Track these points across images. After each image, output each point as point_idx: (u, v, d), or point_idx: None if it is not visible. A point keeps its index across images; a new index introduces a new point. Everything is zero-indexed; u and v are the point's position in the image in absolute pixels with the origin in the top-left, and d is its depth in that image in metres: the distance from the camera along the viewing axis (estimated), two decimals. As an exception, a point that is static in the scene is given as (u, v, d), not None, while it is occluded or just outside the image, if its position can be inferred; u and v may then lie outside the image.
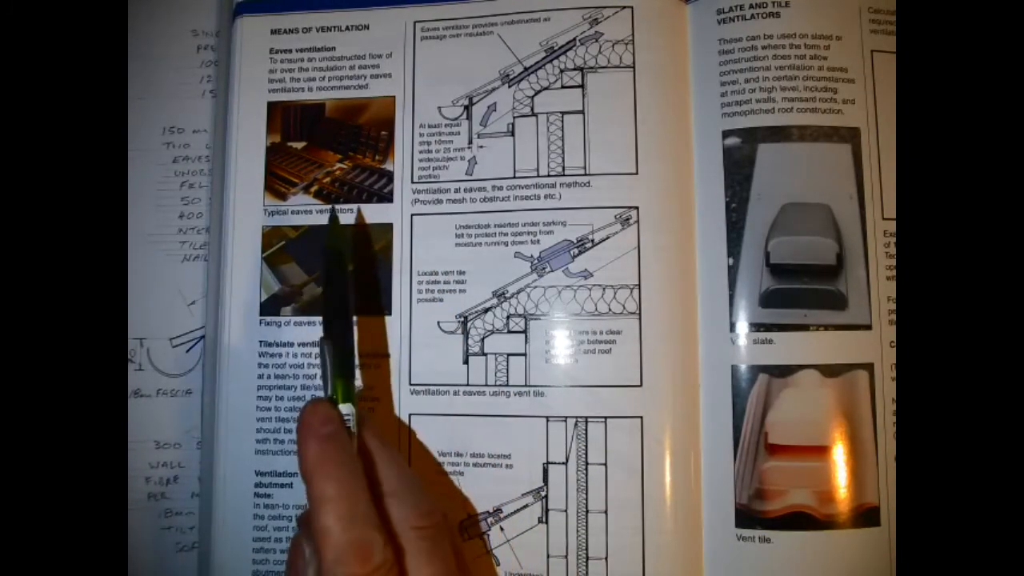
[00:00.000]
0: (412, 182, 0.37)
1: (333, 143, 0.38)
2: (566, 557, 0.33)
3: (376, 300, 0.36)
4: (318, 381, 0.36)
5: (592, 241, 0.35)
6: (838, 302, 0.34)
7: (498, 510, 0.34)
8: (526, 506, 0.34)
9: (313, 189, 0.37)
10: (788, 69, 0.35)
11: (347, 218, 0.37)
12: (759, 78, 0.35)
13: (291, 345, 0.36)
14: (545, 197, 0.35)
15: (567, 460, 0.34)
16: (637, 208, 0.35)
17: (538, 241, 0.35)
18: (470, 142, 0.37)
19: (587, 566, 0.33)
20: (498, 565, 0.34)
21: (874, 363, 0.33)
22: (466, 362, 0.35)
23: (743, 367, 0.33)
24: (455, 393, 0.35)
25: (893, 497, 0.32)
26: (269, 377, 0.36)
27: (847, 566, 0.32)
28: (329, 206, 0.36)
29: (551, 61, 0.36)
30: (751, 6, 0.35)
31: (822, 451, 0.33)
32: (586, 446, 0.34)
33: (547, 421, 0.34)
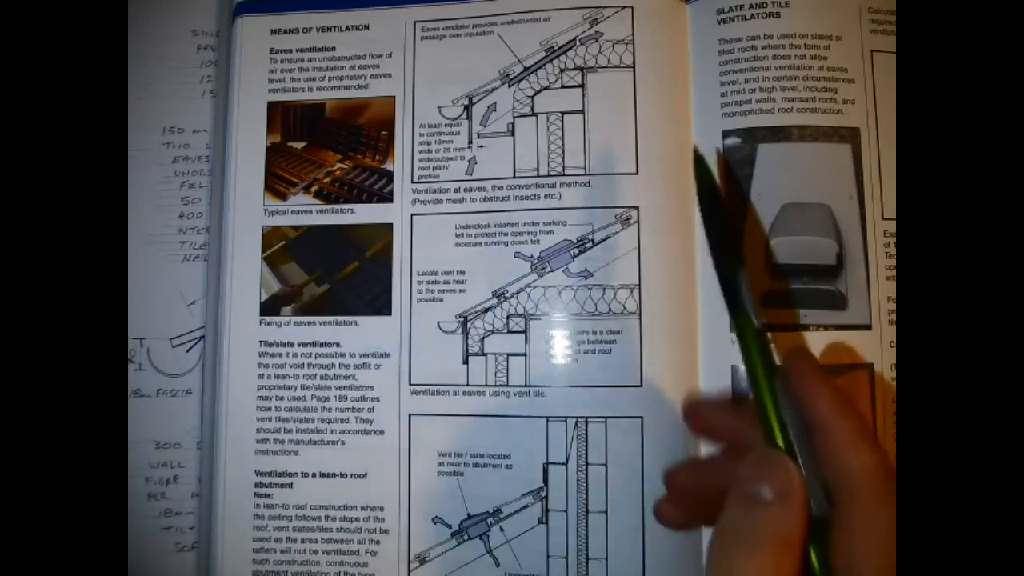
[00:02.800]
0: (412, 182, 0.37)
1: (333, 143, 0.38)
2: (566, 558, 0.33)
3: (381, 299, 0.36)
4: (318, 381, 0.36)
5: (592, 241, 0.35)
6: (838, 302, 0.34)
7: (498, 510, 0.34)
8: (526, 506, 0.34)
9: (313, 189, 0.37)
10: (788, 69, 0.35)
11: (351, 218, 0.37)
12: (759, 78, 0.35)
13: (291, 345, 0.36)
14: (545, 197, 0.35)
15: (567, 460, 0.34)
16: (637, 208, 0.35)
17: (538, 241, 0.35)
18: (470, 142, 0.37)
19: (587, 567, 0.33)
20: (498, 566, 0.34)
21: (874, 363, 0.33)
22: (466, 362, 0.35)
23: (743, 367, 0.33)
24: (455, 393, 0.35)
25: (893, 497, 0.32)
26: (269, 377, 0.36)
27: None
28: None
29: (551, 61, 0.36)
30: (751, 6, 0.35)
31: (822, 451, 0.33)
32: (586, 446, 0.34)
33: (547, 421, 0.34)
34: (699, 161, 0.28)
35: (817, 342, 0.33)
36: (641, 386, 0.34)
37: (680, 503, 0.29)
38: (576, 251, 0.35)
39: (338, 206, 0.37)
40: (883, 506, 0.21)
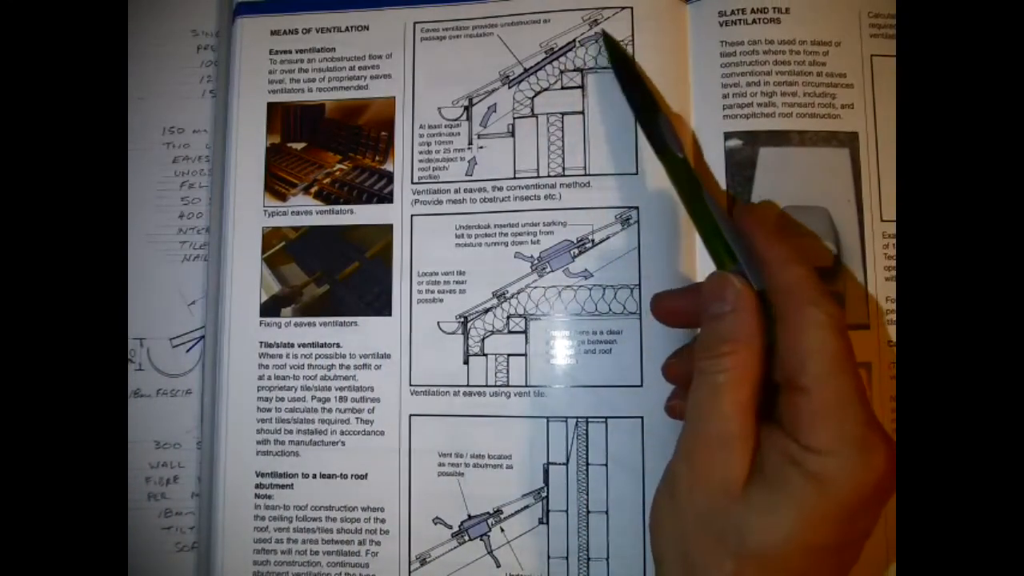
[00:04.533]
0: (412, 183, 0.37)
1: (333, 144, 0.38)
2: (567, 558, 0.34)
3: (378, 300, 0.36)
4: (318, 382, 0.36)
5: (592, 241, 0.35)
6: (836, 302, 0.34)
7: (498, 511, 0.34)
8: (527, 507, 0.34)
9: (313, 190, 0.37)
10: (788, 75, 0.35)
11: (351, 219, 0.37)
12: (760, 82, 0.35)
13: (291, 346, 0.36)
14: (545, 197, 0.36)
15: (567, 461, 0.34)
16: (637, 208, 0.35)
17: (538, 241, 0.35)
18: (470, 143, 0.37)
19: (588, 567, 0.33)
20: (498, 567, 0.34)
21: (872, 363, 0.33)
22: (466, 362, 0.35)
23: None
24: (455, 394, 0.35)
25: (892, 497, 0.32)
26: (269, 378, 0.36)
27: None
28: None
29: (551, 62, 0.37)
30: (752, 10, 0.35)
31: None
32: (587, 446, 0.34)
33: (547, 421, 0.34)
34: (608, 39, 0.35)
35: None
36: (641, 386, 0.34)
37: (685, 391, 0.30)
38: (576, 251, 0.35)
39: (338, 207, 0.37)
40: (813, 307, 0.23)
